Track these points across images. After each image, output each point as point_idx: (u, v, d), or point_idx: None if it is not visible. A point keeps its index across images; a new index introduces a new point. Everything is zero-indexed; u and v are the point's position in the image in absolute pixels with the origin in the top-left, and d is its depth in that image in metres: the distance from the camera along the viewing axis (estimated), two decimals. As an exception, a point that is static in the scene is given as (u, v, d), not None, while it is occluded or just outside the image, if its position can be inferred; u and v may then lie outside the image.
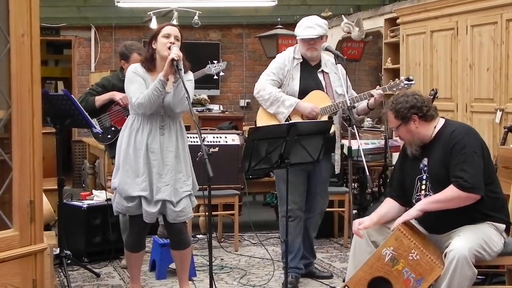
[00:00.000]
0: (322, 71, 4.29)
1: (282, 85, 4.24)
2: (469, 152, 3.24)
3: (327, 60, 4.34)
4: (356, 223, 3.44)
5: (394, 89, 4.18)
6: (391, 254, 3.22)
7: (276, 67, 4.26)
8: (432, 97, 5.03)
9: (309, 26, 4.17)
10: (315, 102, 4.18)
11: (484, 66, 5.32)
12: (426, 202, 3.30)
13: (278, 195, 4.47)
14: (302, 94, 4.21)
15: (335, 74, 4.28)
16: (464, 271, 3.08)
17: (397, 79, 4.23)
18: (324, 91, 4.24)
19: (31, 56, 2.35)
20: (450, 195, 3.23)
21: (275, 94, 4.19)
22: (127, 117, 4.54)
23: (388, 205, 3.52)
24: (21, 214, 2.35)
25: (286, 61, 4.27)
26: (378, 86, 4.27)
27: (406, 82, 4.15)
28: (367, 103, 4.21)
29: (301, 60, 4.26)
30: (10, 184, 2.35)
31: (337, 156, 4.38)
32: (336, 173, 4.45)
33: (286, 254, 3.92)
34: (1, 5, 2.30)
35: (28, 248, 2.37)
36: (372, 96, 4.16)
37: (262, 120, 4.29)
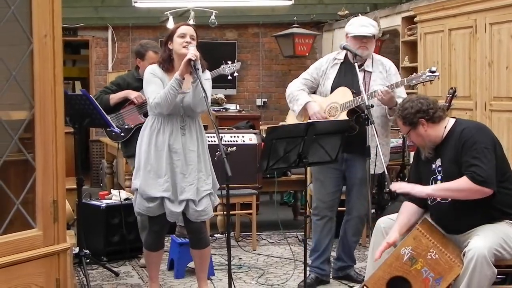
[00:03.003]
0: (364, 69, 4.23)
1: (318, 85, 4.34)
2: (480, 148, 3.23)
3: (377, 60, 4.31)
4: (383, 246, 3.36)
5: (414, 81, 4.07)
6: (409, 254, 3.21)
7: (313, 67, 4.38)
8: (450, 95, 5.00)
9: (363, 24, 4.19)
10: (338, 98, 4.19)
11: (503, 64, 5.27)
12: (437, 188, 3.32)
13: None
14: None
15: (379, 73, 4.25)
16: (484, 271, 3.07)
17: (420, 71, 4.16)
18: (359, 89, 4.12)
19: (53, 57, 2.37)
20: (461, 185, 3.22)
21: (294, 92, 4.31)
22: (141, 115, 4.59)
23: (407, 211, 3.48)
24: (45, 214, 2.36)
25: (324, 61, 4.37)
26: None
27: (429, 73, 4.01)
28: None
29: (342, 61, 4.28)
30: (33, 184, 2.36)
31: (373, 155, 4.15)
32: (378, 173, 4.27)
33: (305, 252, 3.91)
34: (24, 6, 2.32)
35: (52, 247, 2.39)
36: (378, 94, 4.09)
37: (289, 120, 4.44)
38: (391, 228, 3.42)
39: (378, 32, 7.37)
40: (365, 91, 4.06)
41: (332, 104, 4.21)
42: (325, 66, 4.32)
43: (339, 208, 4.44)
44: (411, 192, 3.38)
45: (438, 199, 3.37)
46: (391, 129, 6.70)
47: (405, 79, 4.12)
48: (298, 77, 4.45)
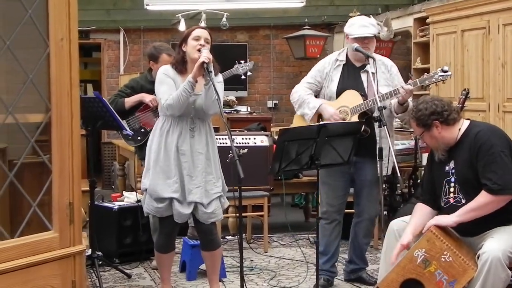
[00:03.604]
0: (366, 71, 4.21)
1: (322, 88, 4.28)
2: (496, 152, 3.21)
3: (378, 60, 4.26)
4: (398, 249, 3.34)
5: (427, 81, 4.07)
6: (423, 256, 3.20)
7: (315, 70, 4.31)
8: (464, 97, 4.97)
9: (363, 25, 4.17)
10: (347, 101, 4.16)
11: (516, 65, 5.26)
12: (462, 213, 3.27)
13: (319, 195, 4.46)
14: (339, 95, 4.20)
15: (382, 73, 4.23)
16: (498, 273, 3.05)
17: (432, 71, 4.15)
18: (365, 91, 4.18)
19: (70, 60, 2.38)
20: (483, 201, 3.21)
21: (303, 96, 4.24)
22: (156, 118, 4.60)
23: (421, 213, 3.47)
24: (61, 216, 2.37)
25: (326, 63, 4.30)
26: (410, 80, 4.21)
27: (441, 73, 4.00)
28: (398, 99, 4.13)
29: (344, 62, 4.26)
30: (49, 186, 2.38)
31: (385, 157, 4.17)
32: (387, 174, 4.26)
33: (317, 255, 3.91)
34: (41, 9, 2.34)
35: (68, 249, 2.40)
36: (399, 92, 4.10)
37: (296, 124, 4.36)
38: (404, 230, 3.40)
39: (390, 32, 7.40)
40: (376, 92, 4.05)
41: (341, 108, 4.18)
42: (328, 68, 4.26)
43: (346, 210, 4.43)
44: (438, 224, 3.29)
45: (452, 201, 3.35)
46: (403, 131, 6.67)
47: (417, 80, 4.11)
48: (301, 81, 4.38)
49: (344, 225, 4.42)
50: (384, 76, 4.23)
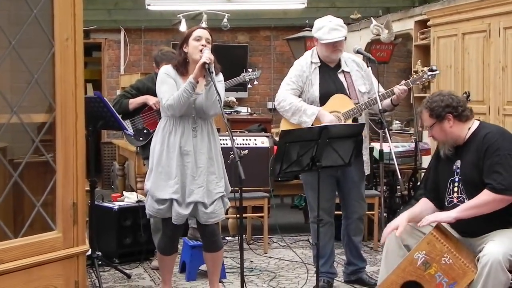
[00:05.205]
0: (343, 71, 4.22)
1: (302, 92, 4.19)
2: (503, 154, 3.22)
3: (347, 58, 4.27)
4: (389, 228, 3.41)
5: (418, 82, 4.15)
6: (423, 258, 3.20)
7: (295, 75, 4.20)
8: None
9: (333, 28, 4.10)
10: (337, 106, 4.14)
11: (517, 69, 5.26)
12: (461, 209, 3.28)
13: (307, 201, 4.45)
14: (323, 99, 4.15)
15: (357, 71, 4.23)
16: (498, 276, 3.05)
17: (420, 71, 4.19)
18: (346, 92, 4.17)
19: (74, 60, 2.39)
20: (484, 199, 3.21)
21: (296, 104, 4.13)
22: (159, 120, 4.61)
23: (423, 205, 3.51)
24: (65, 216, 2.37)
25: (304, 67, 4.21)
26: (403, 81, 4.22)
27: (430, 73, 4.10)
28: (391, 99, 4.16)
29: (319, 64, 4.21)
30: (53, 186, 2.38)
31: (365, 157, 4.31)
32: (366, 174, 4.38)
33: (318, 257, 3.92)
34: (46, 9, 2.34)
35: (71, 250, 2.40)
36: (394, 93, 4.11)
37: (285, 128, 4.24)
38: (400, 215, 3.44)
39: (390, 35, 7.41)
40: (348, 90, 4.12)
41: (333, 113, 4.13)
42: (307, 72, 4.19)
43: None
44: (439, 220, 3.31)
45: (455, 201, 3.36)
46: (404, 133, 6.68)
47: (409, 80, 4.15)
48: (282, 87, 4.24)
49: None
50: (359, 74, 4.23)
